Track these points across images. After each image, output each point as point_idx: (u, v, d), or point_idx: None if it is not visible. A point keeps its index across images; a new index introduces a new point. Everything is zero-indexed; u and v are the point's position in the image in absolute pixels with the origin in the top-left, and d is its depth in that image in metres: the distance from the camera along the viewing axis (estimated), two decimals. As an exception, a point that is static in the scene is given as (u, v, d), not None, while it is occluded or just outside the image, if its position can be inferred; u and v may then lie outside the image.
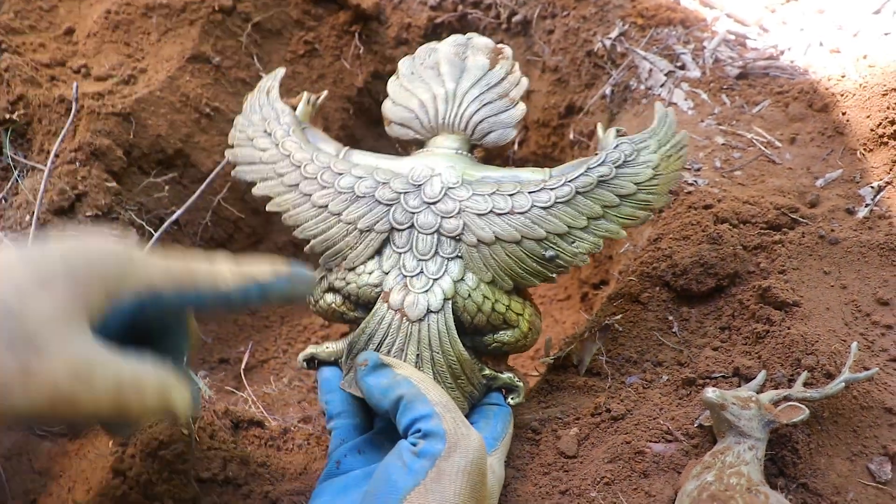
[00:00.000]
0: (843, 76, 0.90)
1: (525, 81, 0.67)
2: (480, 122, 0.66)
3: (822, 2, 1.06)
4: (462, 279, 0.59)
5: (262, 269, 0.50)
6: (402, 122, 0.68)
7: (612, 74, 1.01)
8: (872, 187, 0.77)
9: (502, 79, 0.67)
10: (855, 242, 0.71)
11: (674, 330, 0.68)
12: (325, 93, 0.75)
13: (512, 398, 0.61)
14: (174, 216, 0.82)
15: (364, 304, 0.61)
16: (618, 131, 0.66)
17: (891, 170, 0.77)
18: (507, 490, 0.58)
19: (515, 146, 1.15)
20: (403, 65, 0.71)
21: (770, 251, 0.70)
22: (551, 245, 0.60)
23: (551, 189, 0.61)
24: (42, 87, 0.84)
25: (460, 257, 0.60)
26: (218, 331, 0.95)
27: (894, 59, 0.85)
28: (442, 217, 0.60)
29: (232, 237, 0.99)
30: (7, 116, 0.81)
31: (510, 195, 0.61)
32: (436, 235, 0.60)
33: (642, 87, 0.98)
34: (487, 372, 0.61)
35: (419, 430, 0.48)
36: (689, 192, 0.78)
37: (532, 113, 1.11)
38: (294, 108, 0.71)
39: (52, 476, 0.63)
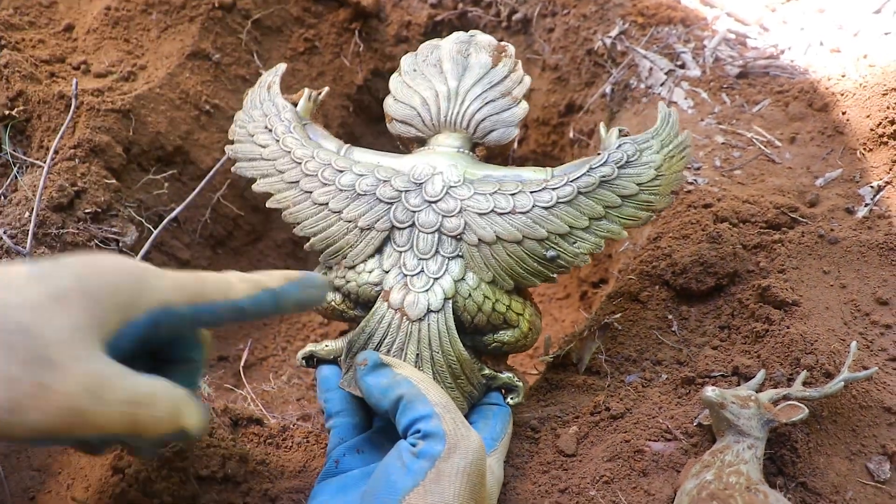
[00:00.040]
0: (843, 76, 0.90)
1: (528, 80, 0.67)
2: (483, 120, 0.66)
3: (823, 1, 1.06)
4: (463, 279, 0.59)
5: (272, 276, 0.50)
6: (403, 120, 0.68)
7: (613, 73, 1.01)
8: (872, 187, 0.77)
9: (505, 77, 0.67)
10: (854, 242, 0.71)
11: (673, 329, 0.68)
12: (325, 89, 0.75)
13: (511, 398, 0.61)
14: (173, 213, 0.82)
15: (364, 302, 0.61)
16: (620, 131, 0.65)
17: (890, 169, 0.77)
18: (507, 488, 0.58)
19: (515, 144, 1.14)
20: (406, 61, 0.71)
21: (769, 250, 0.70)
22: (552, 245, 0.60)
23: (553, 189, 0.60)
24: (41, 84, 0.84)
25: (461, 256, 0.60)
26: (217, 329, 0.95)
27: (894, 59, 0.85)
28: (443, 216, 0.60)
29: (231, 234, 0.99)
30: (6, 113, 0.81)
31: (512, 194, 0.61)
32: (437, 234, 0.60)
33: (642, 85, 0.98)
34: (487, 372, 0.61)
35: (419, 431, 0.48)
36: (689, 191, 0.78)
37: (532, 111, 1.11)
38: (295, 105, 0.70)
39: (51, 473, 0.63)
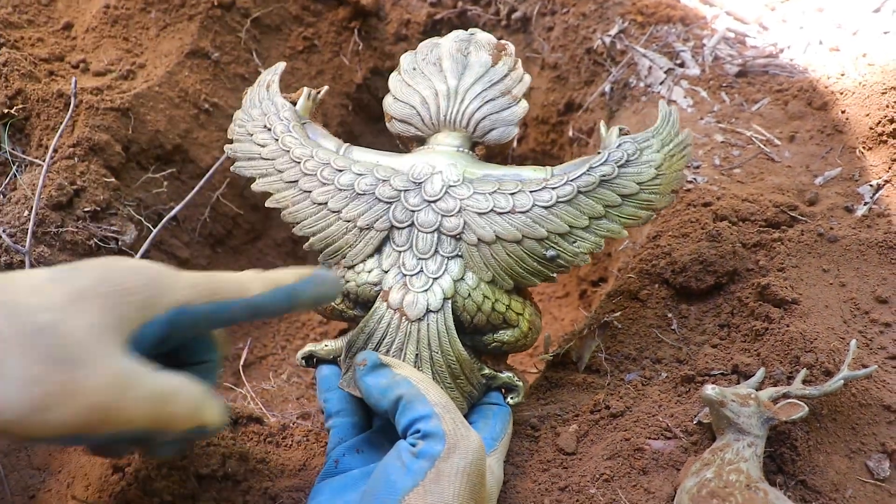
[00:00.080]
0: (842, 74, 0.90)
1: (528, 79, 0.67)
2: (482, 119, 0.66)
3: (822, 0, 1.06)
4: (462, 278, 0.59)
5: (286, 273, 0.51)
6: (403, 119, 0.68)
7: (612, 72, 1.01)
8: (871, 185, 0.77)
9: (505, 76, 0.67)
10: (854, 240, 0.71)
11: (673, 327, 0.68)
12: (325, 88, 0.75)
13: (511, 398, 0.61)
14: (173, 212, 0.82)
15: (363, 302, 0.61)
16: (620, 130, 0.65)
17: (890, 168, 0.77)
18: (507, 487, 0.58)
19: (515, 143, 1.14)
20: (405, 60, 0.70)
21: (769, 249, 0.70)
22: (552, 245, 0.60)
23: (553, 188, 0.60)
24: (40, 82, 0.84)
25: (460, 256, 0.60)
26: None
27: (894, 58, 0.85)
28: (442, 215, 0.60)
29: (231, 233, 0.99)
30: (5, 111, 0.81)
31: (511, 194, 0.60)
32: (436, 234, 0.60)
33: (642, 84, 0.98)
34: (487, 371, 0.61)
35: (418, 431, 0.48)
36: (689, 190, 0.78)
37: (531, 110, 1.11)
38: (294, 104, 0.70)
39: (51, 472, 0.63)
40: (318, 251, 0.63)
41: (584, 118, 1.04)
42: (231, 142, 0.69)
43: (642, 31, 1.02)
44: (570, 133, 1.05)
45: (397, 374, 0.52)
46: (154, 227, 0.80)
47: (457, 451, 0.47)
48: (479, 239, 0.59)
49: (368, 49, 1.12)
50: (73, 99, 0.81)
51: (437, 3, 1.13)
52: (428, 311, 0.58)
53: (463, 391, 0.59)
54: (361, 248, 0.61)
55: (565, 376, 0.70)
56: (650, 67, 0.98)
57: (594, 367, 0.69)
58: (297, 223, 0.63)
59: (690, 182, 0.80)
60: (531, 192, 0.60)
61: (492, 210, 0.60)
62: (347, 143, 0.68)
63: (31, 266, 0.72)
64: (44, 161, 0.77)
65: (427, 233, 0.60)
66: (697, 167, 0.83)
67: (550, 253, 0.59)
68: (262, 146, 0.67)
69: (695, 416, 0.59)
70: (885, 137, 0.79)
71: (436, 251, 0.60)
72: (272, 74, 0.73)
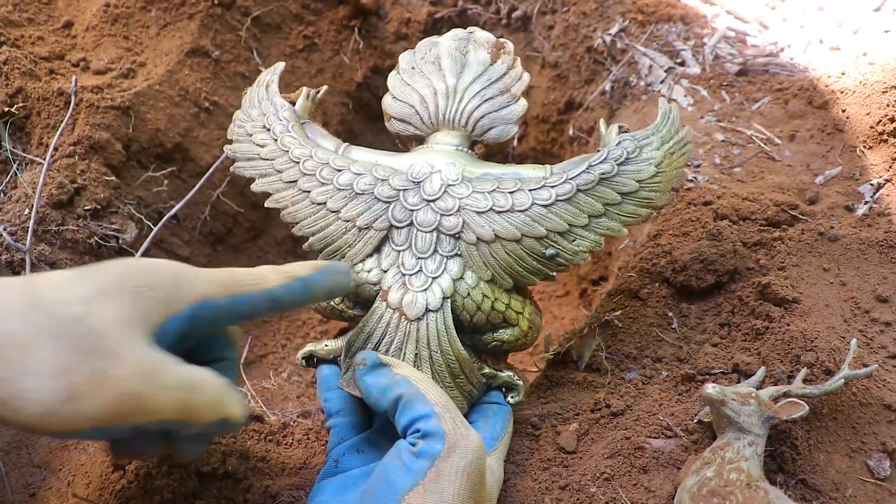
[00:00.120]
0: (842, 73, 0.90)
1: (527, 77, 0.67)
2: (481, 118, 0.66)
3: (823, -1, 1.06)
4: (461, 277, 0.59)
5: (302, 266, 0.53)
6: (402, 118, 0.68)
7: (612, 70, 1.01)
8: (872, 184, 0.77)
9: (503, 74, 0.67)
10: (854, 239, 0.71)
11: (673, 326, 0.68)
12: (324, 88, 0.75)
13: (512, 397, 0.61)
14: (173, 210, 0.82)
15: (363, 302, 0.61)
16: (620, 128, 0.65)
17: (890, 167, 0.77)
18: (507, 486, 0.58)
19: (515, 142, 1.14)
20: (404, 59, 0.70)
21: (769, 248, 0.70)
22: (552, 243, 0.59)
23: (552, 186, 0.60)
24: (41, 81, 0.84)
25: (459, 255, 0.60)
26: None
27: (894, 57, 0.85)
28: (441, 215, 0.60)
29: (231, 232, 0.99)
30: (6, 110, 0.81)
31: (510, 192, 0.60)
32: (435, 233, 0.60)
33: (642, 83, 0.98)
34: (487, 370, 0.60)
35: (418, 430, 0.48)
36: (689, 189, 0.78)
37: (532, 109, 1.11)
38: (293, 104, 0.70)
39: (52, 470, 0.63)
40: (318, 251, 0.63)
41: (585, 117, 1.04)
42: (231, 142, 0.69)
43: (643, 29, 1.01)
44: (571, 132, 1.05)
45: (397, 373, 0.52)
46: (154, 226, 0.80)
47: (456, 450, 0.47)
48: (478, 238, 0.59)
49: (369, 48, 1.12)
50: (73, 97, 0.81)
51: (438, 2, 1.13)
52: (427, 310, 0.58)
53: (463, 390, 0.59)
54: (360, 247, 0.61)
55: (566, 375, 0.70)
56: (650, 66, 0.98)
57: (595, 366, 0.69)
58: (297, 223, 0.63)
59: (691, 181, 0.80)
60: (530, 190, 0.60)
61: (491, 209, 0.60)
62: (346, 143, 0.68)
63: (32, 264, 0.72)
64: (44, 159, 0.77)
65: (426, 232, 0.60)
66: (698, 166, 0.83)
67: (550, 251, 0.59)
68: (262, 146, 0.67)
69: (695, 415, 0.59)
70: (885, 136, 0.79)
71: (435, 250, 0.60)
72: (271, 74, 0.73)
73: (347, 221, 0.61)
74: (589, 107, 1.04)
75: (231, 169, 0.68)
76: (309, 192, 0.63)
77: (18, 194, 0.77)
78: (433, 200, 0.60)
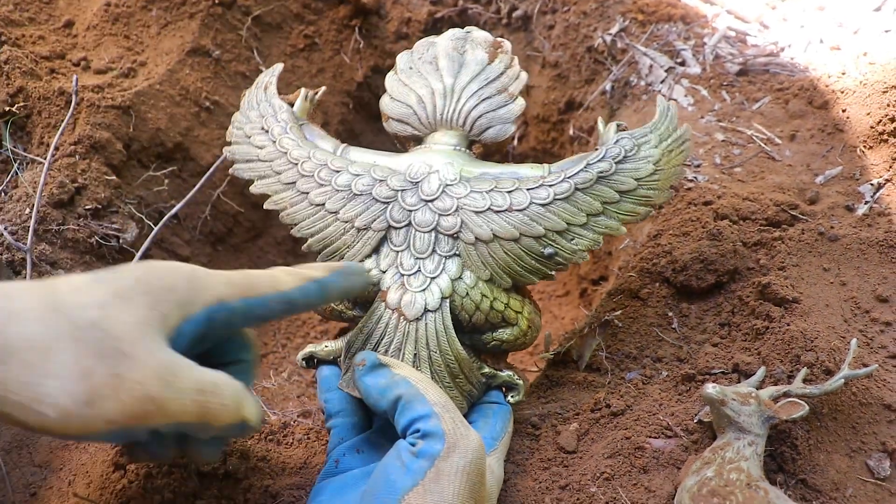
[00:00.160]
0: (843, 73, 0.90)
1: (524, 76, 0.67)
2: (479, 117, 0.66)
3: (823, -2, 1.06)
4: (460, 277, 0.59)
5: (316, 268, 0.53)
6: (399, 118, 0.68)
7: (613, 70, 1.01)
8: (872, 184, 0.77)
9: (501, 73, 0.67)
10: (854, 239, 0.71)
11: (673, 326, 0.68)
12: (322, 88, 0.75)
13: (512, 396, 0.61)
14: (174, 210, 0.82)
15: (362, 302, 0.61)
16: (618, 126, 0.65)
17: (890, 167, 0.77)
18: (507, 485, 0.58)
19: (515, 142, 1.14)
20: (401, 59, 0.70)
21: (770, 248, 0.70)
22: (550, 242, 0.59)
23: (550, 186, 0.60)
24: (42, 80, 0.84)
25: (458, 255, 0.60)
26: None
27: (894, 57, 0.85)
28: (439, 215, 0.60)
29: (231, 231, 0.99)
30: (7, 109, 0.81)
31: (508, 192, 0.60)
32: (433, 233, 0.60)
33: (642, 83, 0.98)
34: (487, 370, 0.60)
35: (418, 431, 0.48)
36: (689, 189, 0.78)
37: (532, 108, 1.11)
38: (291, 105, 0.70)
39: (53, 469, 0.63)
40: (317, 252, 0.63)
41: (585, 117, 1.04)
42: (230, 144, 0.69)
43: (643, 29, 1.01)
44: (571, 132, 1.05)
45: (396, 373, 0.52)
46: (155, 225, 0.80)
47: (456, 450, 0.47)
48: (476, 237, 0.59)
49: (369, 47, 1.12)
50: (74, 97, 0.81)
51: (438, 2, 1.13)
52: (426, 310, 0.58)
53: (462, 390, 0.59)
54: (359, 248, 0.61)
55: (566, 375, 0.70)
56: (651, 66, 0.98)
57: (595, 366, 0.69)
58: (296, 224, 0.63)
59: (691, 181, 0.80)
60: (528, 189, 0.60)
61: (489, 208, 0.60)
62: (345, 144, 0.68)
63: (33, 264, 0.72)
64: (45, 159, 0.77)
65: (424, 232, 0.60)
66: (698, 166, 0.83)
67: (548, 251, 0.59)
68: (260, 148, 0.67)
69: (695, 415, 0.59)
70: (885, 136, 0.79)
71: (433, 250, 0.60)
72: (270, 76, 0.73)
73: (346, 222, 0.62)
74: (589, 106, 1.04)
75: (230, 171, 0.68)
76: (307, 193, 0.63)
77: (19, 194, 0.77)
78: (431, 200, 0.60)
